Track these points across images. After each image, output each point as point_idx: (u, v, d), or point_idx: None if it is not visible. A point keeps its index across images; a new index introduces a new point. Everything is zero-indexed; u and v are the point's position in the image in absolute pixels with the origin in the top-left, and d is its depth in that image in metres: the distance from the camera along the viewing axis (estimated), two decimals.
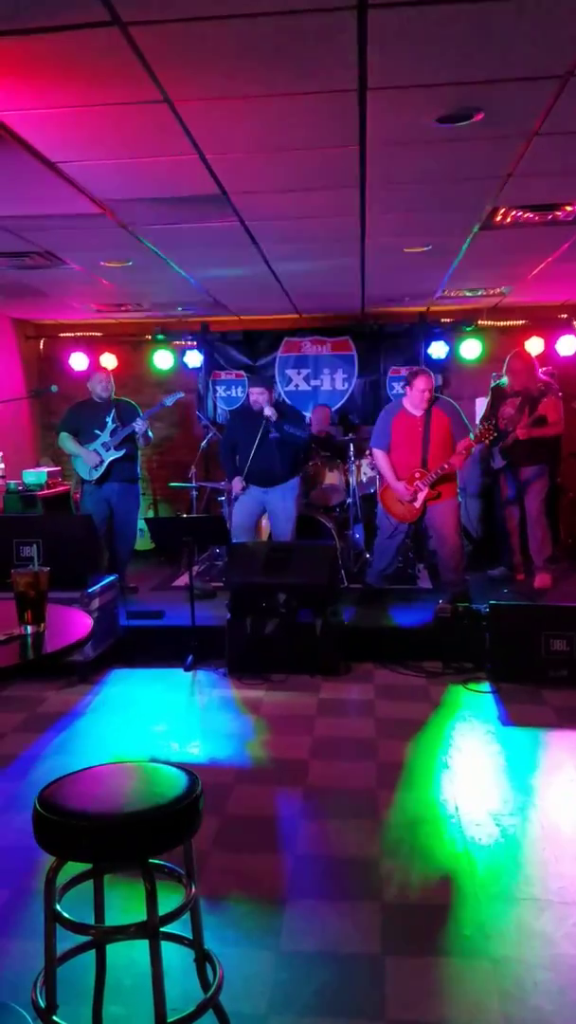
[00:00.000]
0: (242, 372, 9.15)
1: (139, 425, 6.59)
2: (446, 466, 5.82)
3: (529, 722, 4.57)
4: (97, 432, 6.67)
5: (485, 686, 5.12)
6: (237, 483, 6.31)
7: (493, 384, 7.01)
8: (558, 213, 4.84)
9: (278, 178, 4.11)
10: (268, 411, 6.11)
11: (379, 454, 6.14)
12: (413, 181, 4.22)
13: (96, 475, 6.65)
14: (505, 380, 6.75)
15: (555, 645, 5.09)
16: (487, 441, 5.95)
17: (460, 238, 5.45)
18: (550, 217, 4.92)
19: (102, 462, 6.62)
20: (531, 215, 4.88)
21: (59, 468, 7.96)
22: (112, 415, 6.70)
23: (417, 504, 5.95)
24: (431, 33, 2.65)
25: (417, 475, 5.92)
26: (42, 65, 2.81)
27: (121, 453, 6.64)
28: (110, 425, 6.66)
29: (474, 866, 3.12)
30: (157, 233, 5.16)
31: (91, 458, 6.64)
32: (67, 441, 6.78)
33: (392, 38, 2.68)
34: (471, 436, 5.81)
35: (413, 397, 5.97)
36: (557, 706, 4.78)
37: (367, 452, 7.08)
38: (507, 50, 2.79)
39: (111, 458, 6.62)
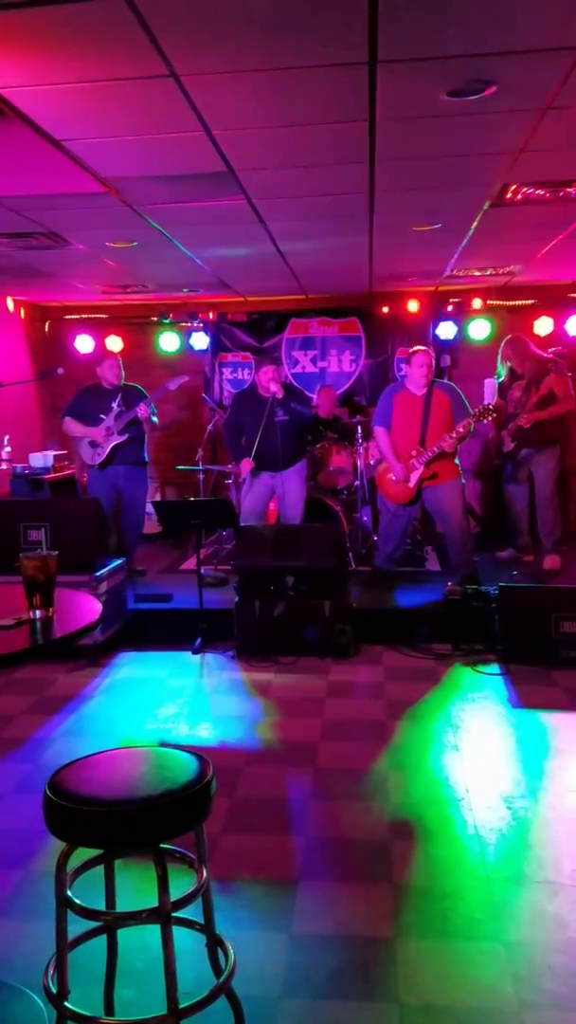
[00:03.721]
0: (249, 354, 9.07)
1: (141, 410, 6.54)
2: (443, 444, 5.76)
3: (539, 704, 4.55)
4: (102, 417, 6.63)
5: (494, 668, 5.10)
6: (246, 464, 6.25)
7: (497, 381, 7.01)
8: (569, 190, 4.76)
9: (286, 154, 4.04)
10: (275, 387, 6.08)
11: (380, 432, 6.10)
12: (423, 157, 4.15)
13: (99, 459, 6.62)
14: (502, 372, 6.78)
15: (565, 626, 5.07)
16: (486, 420, 5.91)
17: (470, 216, 5.38)
18: (561, 194, 4.85)
19: (104, 445, 6.58)
20: (542, 192, 4.81)
21: (65, 452, 7.93)
22: (118, 400, 6.66)
23: (411, 484, 5.89)
24: (443, 3, 2.58)
25: (413, 453, 5.87)
26: (44, 39, 2.76)
27: (124, 438, 6.60)
28: (115, 410, 6.63)
29: (485, 849, 3.11)
30: (163, 212, 5.09)
31: (96, 433, 6.60)
32: (71, 424, 6.75)
33: (403, 9, 2.61)
34: (470, 416, 5.77)
35: (412, 375, 5.97)
36: (568, 687, 4.76)
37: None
38: (520, 21, 2.73)
39: (113, 443, 6.59)
